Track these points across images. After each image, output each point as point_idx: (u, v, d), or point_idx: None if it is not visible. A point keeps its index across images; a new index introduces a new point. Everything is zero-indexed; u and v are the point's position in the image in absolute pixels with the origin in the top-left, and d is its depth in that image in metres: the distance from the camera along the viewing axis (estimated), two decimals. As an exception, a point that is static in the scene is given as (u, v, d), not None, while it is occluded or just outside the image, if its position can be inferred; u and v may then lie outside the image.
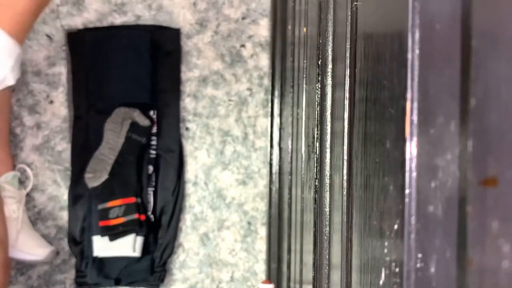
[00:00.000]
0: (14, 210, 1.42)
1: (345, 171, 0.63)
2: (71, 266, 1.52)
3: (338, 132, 0.67)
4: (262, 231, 1.55)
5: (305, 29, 0.97)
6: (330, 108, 0.74)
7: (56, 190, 1.52)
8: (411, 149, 0.39)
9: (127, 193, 1.47)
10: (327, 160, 0.75)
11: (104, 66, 1.50)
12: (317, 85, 0.80)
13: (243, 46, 1.55)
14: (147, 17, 1.54)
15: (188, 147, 1.55)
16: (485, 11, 0.34)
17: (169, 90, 1.53)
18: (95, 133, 1.48)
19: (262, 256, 1.56)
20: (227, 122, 1.55)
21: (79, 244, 1.47)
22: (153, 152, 1.51)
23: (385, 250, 0.44)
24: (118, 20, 1.54)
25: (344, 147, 0.63)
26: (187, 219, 1.55)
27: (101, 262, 1.49)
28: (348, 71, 0.63)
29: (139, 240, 1.48)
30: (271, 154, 1.44)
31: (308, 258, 0.85)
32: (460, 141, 0.36)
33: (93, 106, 1.50)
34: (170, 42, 1.53)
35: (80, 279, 1.51)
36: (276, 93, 1.42)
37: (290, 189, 1.15)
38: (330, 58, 0.74)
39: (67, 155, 1.52)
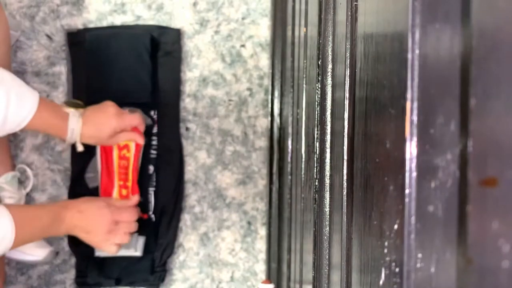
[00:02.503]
0: (14, 210, 1.42)
1: (345, 171, 0.63)
2: (71, 266, 1.52)
3: (338, 132, 0.67)
4: (262, 231, 1.55)
5: (304, 29, 0.97)
6: (330, 108, 0.74)
7: (56, 190, 1.52)
8: (411, 149, 0.39)
9: (127, 193, 1.48)
10: (327, 160, 0.75)
11: (104, 66, 1.50)
12: (317, 85, 0.80)
13: (243, 46, 1.55)
14: (147, 17, 1.54)
15: (188, 147, 1.55)
16: (485, 10, 0.34)
17: (169, 90, 1.53)
18: (95, 133, 1.48)
19: (262, 256, 1.56)
20: (227, 122, 1.55)
21: (79, 244, 1.47)
22: (154, 152, 1.51)
23: (385, 250, 0.44)
24: (118, 20, 1.54)
25: (344, 147, 0.63)
26: (187, 219, 1.55)
27: (102, 262, 1.49)
28: (348, 71, 0.63)
29: (141, 239, 1.48)
30: (271, 154, 1.44)
31: (308, 258, 0.85)
32: (460, 141, 0.36)
33: (93, 106, 1.50)
34: (170, 42, 1.53)
35: (81, 279, 1.51)
36: (276, 93, 1.42)
37: (290, 189, 1.15)
38: (330, 58, 0.75)
39: (67, 155, 1.52)
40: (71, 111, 1.30)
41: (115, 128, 1.34)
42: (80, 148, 1.34)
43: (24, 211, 1.23)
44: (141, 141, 1.42)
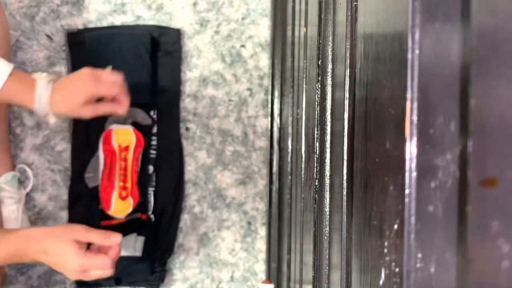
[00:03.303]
0: (14, 210, 1.42)
1: (345, 171, 0.63)
2: (71, 266, 1.52)
3: (338, 132, 0.67)
4: (262, 231, 1.55)
5: (304, 29, 0.97)
6: (330, 108, 0.74)
7: (56, 190, 1.52)
8: (411, 149, 0.39)
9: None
10: (327, 160, 0.75)
11: (104, 66, 1.50)
12: (317, 85, 0.80)
13: (243, 46, 1.55)
14: (147, 17, 1.54)
15: (188, 147, 1.55)
16: (485, 10, 0.34)
17: (169, 90, 1.53)
18: (95, 133, 1.47)
19: (262, 256, 1.56)
20: (227, 122, 1.55)
21: (79, 244, 1.47)
22: (153, 152, 1.51)
23: (385, 250, 0.44)
24: (118, 20, 1.54)
25: (344, 147, 0.63)
26: (187, 219, 1.55)
27: (101, 262, 1.49)
28: (348, 71, 0.63)
29: (140, 239, 1.48)
30: (271, 154, 1.44)
31: (308, 258, 0.85)
32: (460, 141, 0.36)
33: (93, 106, 1.50)
34: (170, 42, 1.53)
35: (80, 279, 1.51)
36: (276, 93, 1.42)
37: (290, 189, 1.15)
38: (330, 58, 0.75)
39: (67, 155, 1.52)
40: (39, 75, 1.18)
41: (89, 93, 1.18)
42: (52, 120, 1.20)
43: None
44: (122, 110, 1.24)
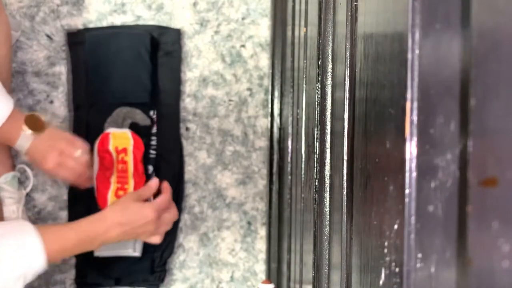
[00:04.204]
0: (14, 210, 1.42)
1: (345, 171, 0.63)
2: (71, 266, 1.52)
3: (338, 132, 0.67)
4: (262, 231, 1.55)
5: (304, 29, 0.97)
6: (330, 108, 0.74)
7: (56, 190, 1.52)
8: (411, 149, 0.39)
9: (127, 193, 1.47)
10: (327, 160, 0.75)
11: (104, 66, 1.50)
12: (317, 85, 0.80)
13: (243, 46, 1.55)
14: (147, 17, 1.54)
15: (188, 147, 1.55)
16: (485, 11, 0.34)
17: (169, 90, 1.53)
18: (95, 133, 1.47)
19: (262, 256, 1.56)
20: (227, 122, 1.55)
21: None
22: (153, 152, 1.51)
23: (385, 250, 0.44)
24: (118, 20, 1.54)
25: (344, 147, 0.63)
26: (187, 219, 1.55)
27: (102, 262, 1.49)
28: (348, 71, 0.63)
29: (139, 240, 1.48)
30: (271, 154, 1.44)
31: (308, 258, 0.85)
32: (460, 141, 0.36)
33: (93, 106, 1.50)
34: (170, 42, 1.53)
35: (80, 279, 1.51)
36: (276, 93, 1.42)
37: (290, 189, 1.15)
38: (330, 58, 0.75)
39: (67, 155, 1.52)
40: (24, 132, 1.27)
41: (51, 172, 1.32)
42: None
43: (59, 245, 1.20)
44: (83, 185, 1.41)
